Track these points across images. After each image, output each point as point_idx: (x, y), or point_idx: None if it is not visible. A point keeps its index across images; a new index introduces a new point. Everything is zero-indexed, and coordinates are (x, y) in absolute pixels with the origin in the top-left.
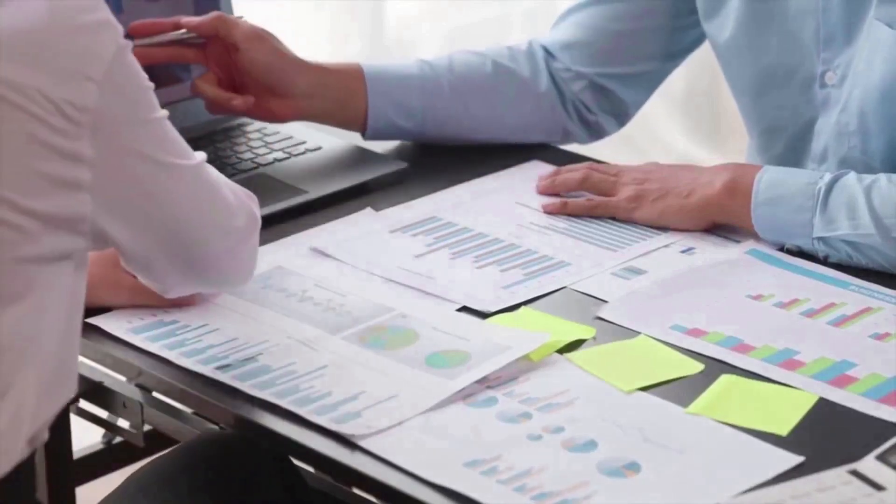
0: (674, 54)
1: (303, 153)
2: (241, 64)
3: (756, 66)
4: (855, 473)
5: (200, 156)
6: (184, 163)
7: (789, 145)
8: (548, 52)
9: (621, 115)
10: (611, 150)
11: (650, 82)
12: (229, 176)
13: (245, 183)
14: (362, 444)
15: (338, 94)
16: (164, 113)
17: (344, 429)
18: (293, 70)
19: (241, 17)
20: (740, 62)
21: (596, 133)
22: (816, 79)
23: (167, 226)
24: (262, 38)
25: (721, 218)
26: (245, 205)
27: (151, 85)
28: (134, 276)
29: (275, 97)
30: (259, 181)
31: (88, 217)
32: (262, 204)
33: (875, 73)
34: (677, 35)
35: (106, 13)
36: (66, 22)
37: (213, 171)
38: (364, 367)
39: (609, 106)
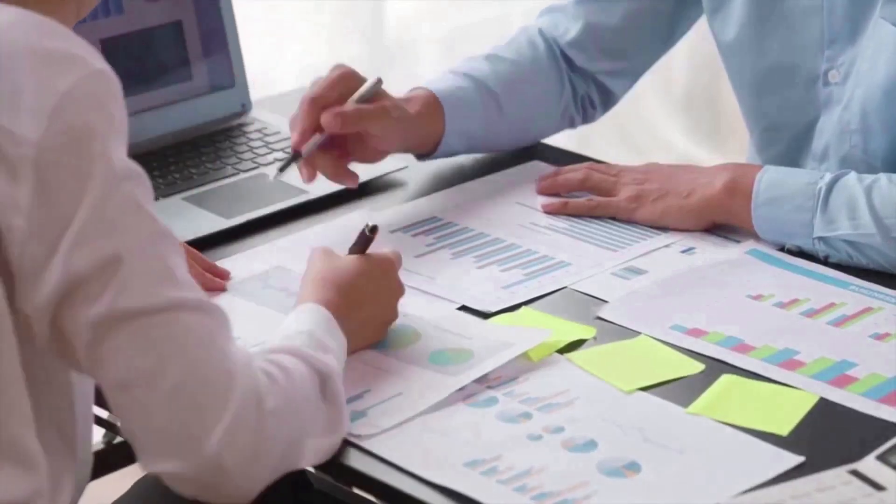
0: (671, 41)
1: None
2: (369, 142)
3: (759, 63)
4: (855, 473)
5: (202, 295)
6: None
7: (790, 143)
8: (560, 49)
9: (610, 104)
10: (611, 150)
11: (643, 69)
12: (229, 176)
13: (245, 183)
14: (362, 444)
15: (425, 139)
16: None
17: (350, 429)
18: (409, 135)
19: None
20: (744, 60)
21: (584, 121)
22: (819, 77)
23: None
24: (390, 117)
25: (721, 218)
26: (252, 376)
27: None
28: None
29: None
30: (259, 181)
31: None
32: (263, 204)
33: (879, 72)
34: (677, 24)
35: (70, 44)
36: (25, 44)
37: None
38: (367, 366)
39: (604, 98)
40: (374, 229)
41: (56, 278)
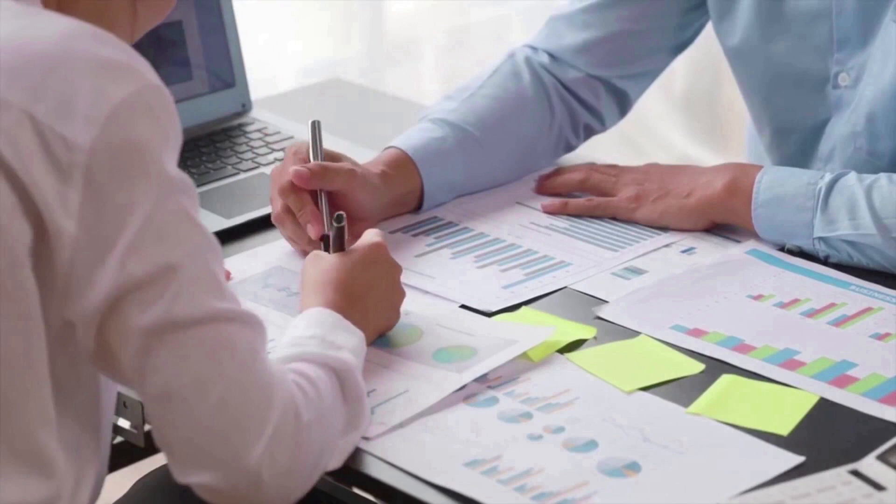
0: (681, 46)
1: None
2: (344, 204)
3: (768, 67)
4: (855, 473)
5: (240, 303)
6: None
7: (800, 145)
8: (555, 59)
9: (627, 107)
10: (611, 150)
11: (655, 75)
12: (229, 176)
13: (245, 183)
14: (364, 444)
15: (403, 198)
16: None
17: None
18: (380, 196)
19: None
20: (752, 63)
21: (587, 138)
22: (830, 80)
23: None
24: (357, 177)
25: (721, 218)
26: (289, 390)
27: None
28: None
29: (358, 220)
30: (259, 181)
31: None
32: (263, 204)
33: (887, 74)
34: (686, 28)
35: (128, 56)
36: (83, 51)
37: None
38: (372, 365)
39: (617, 109)
40: (339, 218)
41: (109, 284)
